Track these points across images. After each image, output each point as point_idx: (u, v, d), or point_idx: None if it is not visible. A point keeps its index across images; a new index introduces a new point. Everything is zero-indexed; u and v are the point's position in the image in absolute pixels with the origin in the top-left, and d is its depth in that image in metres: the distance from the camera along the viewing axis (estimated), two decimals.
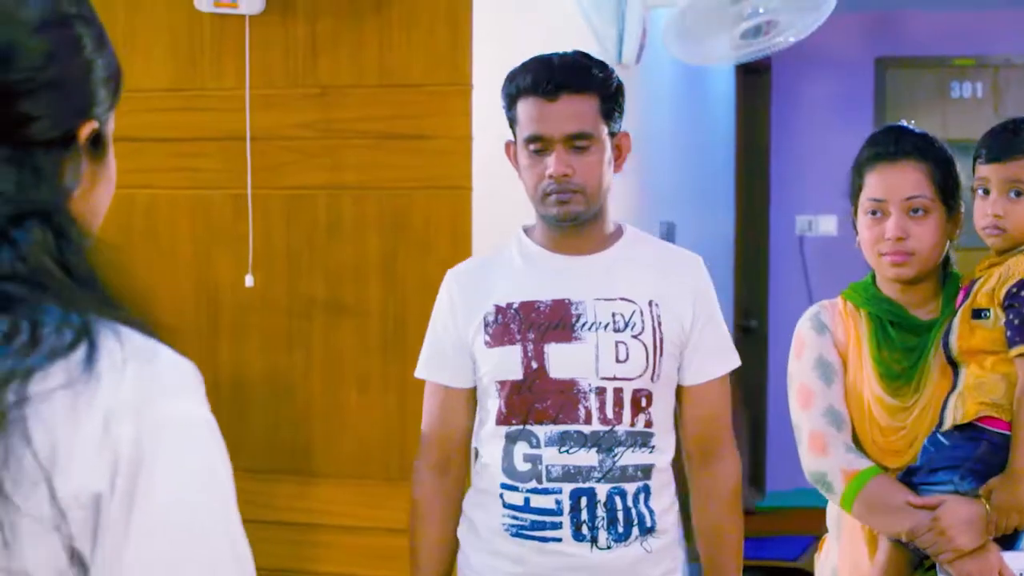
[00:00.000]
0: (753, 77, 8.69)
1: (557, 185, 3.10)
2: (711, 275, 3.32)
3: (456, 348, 3.25)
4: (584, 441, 3.11)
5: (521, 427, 3.14)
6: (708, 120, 7.82)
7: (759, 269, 8.87)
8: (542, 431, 3.12)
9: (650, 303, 3.16)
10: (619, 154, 3.21)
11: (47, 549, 1.37)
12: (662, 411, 3.19)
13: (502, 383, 3.16)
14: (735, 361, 3.30)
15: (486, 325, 3.19)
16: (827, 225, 8.51)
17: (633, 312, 3.14)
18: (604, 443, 3.11)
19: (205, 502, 1.46)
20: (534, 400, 3.13)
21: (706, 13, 4.94)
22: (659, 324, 3.15)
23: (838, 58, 8.72)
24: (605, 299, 3.15)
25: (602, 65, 3.18)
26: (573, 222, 3.15)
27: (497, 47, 4.05)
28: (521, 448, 3.15)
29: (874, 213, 3.18)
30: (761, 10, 4.96)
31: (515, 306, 3.17)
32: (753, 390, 8.32)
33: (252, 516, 4.13)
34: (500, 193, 3.93)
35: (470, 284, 3.27)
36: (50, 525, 1.36)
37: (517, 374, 3.14)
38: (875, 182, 3.18)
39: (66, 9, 1.53)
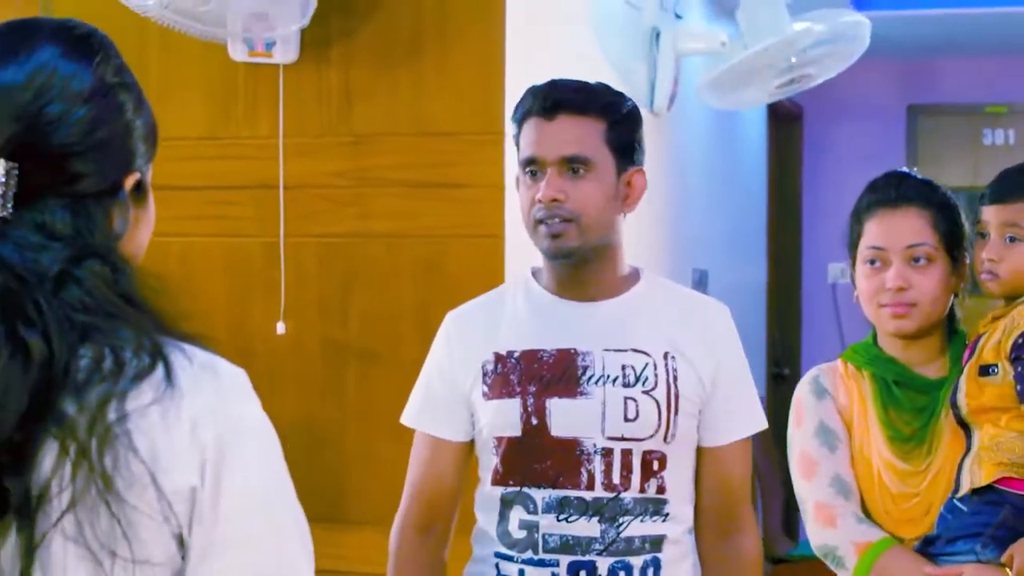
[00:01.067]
0: (785, 124, 8.69)
1: (547, 211, 2.78)
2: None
3: (451, 397, 2.95)
4: (585, 509, 2.79)
5: (518, 489, 2.83)
6: (740, 168, 7.82)
7: (792, 317, 8.85)
8: (540, 495, 2.81)
9: (666, 355, 2.84)
10: (629, 192, 2.88)
11: (161, 538, 1.64)
12: (678, 475, 2.87)
13: (499, 439, 2.86)
14: (761, 422, 3.00)
15: (484, 375, 2.88)
16: None
17: (646, 365, 2.83)
18: (607, 512, 2.79)
19: (274, 486, 1.75)
20: (532, 460, 2.82)
21: (743, 71, 4.95)
22: (675, 379, 2.83)
23: (870, 105, 8.73)
24: (615, 350, 2.84)
25: (615, 92, 2.92)
26: (568, 259, 2.84)
27: None
28: (517, 513, 2.84)
29: (873, 262, 3.00)
30: (802, 70, 4.97)
31: (516, 355, 2.86)
32: (786, 436, 8.28)
33: None
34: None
35: (469, 328, 2.98)
36: (160, 518, 1.63)
37: (515, 430, 2.83)
38: (875, 229, 3.01)
39: (110, 80, 1.77)
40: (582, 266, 2.87)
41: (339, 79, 4.09)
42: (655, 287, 2.97)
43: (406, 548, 3.06)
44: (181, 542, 1.66)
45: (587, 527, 2.79)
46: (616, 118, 2.86)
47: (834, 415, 3.05)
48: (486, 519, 2.92)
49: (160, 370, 1.68)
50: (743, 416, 2.96)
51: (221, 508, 1.67)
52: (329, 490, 4.11)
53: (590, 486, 2.80)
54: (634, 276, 2.97)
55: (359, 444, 4.09)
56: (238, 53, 4.00)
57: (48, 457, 1.59)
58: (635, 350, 2.85)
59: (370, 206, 4.07)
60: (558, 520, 2.79)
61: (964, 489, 2.85)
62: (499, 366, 2.87)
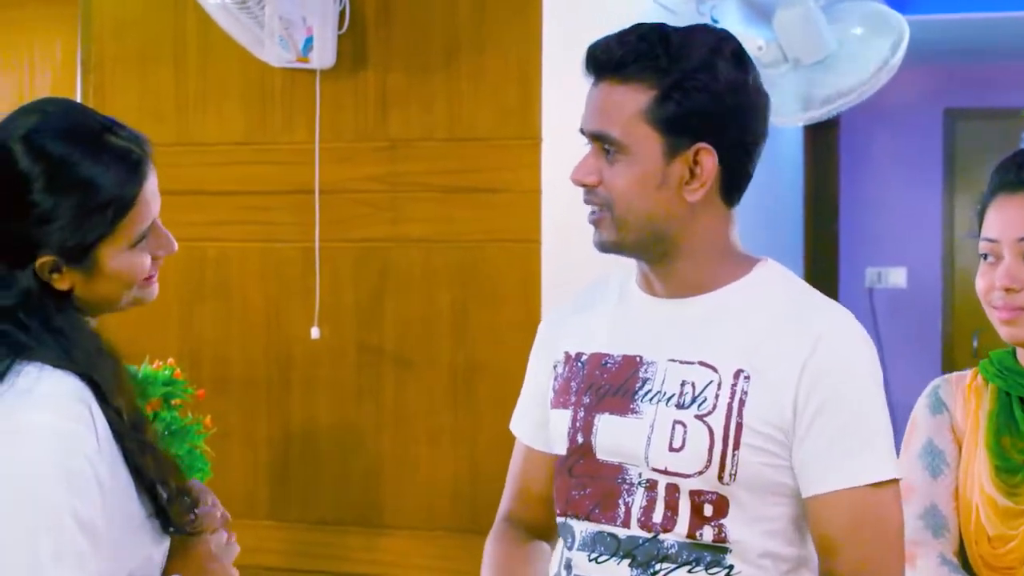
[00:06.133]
0: (822, 129, 8.67)
1: (584, 194, 2.32)
2: None
3: (534, 399, 2.52)
4: (616, 548, 2.30)
5: (563, 519, 2.38)
6: (777, 174, 7.80)
7: None
8: (579, 528, 2.34)
9: (737, 373, 2.24)
10: (696, 174, 2.25)
11: None
12: (752, 526, 2.25)
13: (556, 457, 2.42)
14: (881, 470, 2.21)
15: (555, 377, 2.45)
16: (896, 277, 8.47)
17: (709, 383, 2.24)
18: (641, 555, 2.27)
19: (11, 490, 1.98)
20: (574, 486, 2.35)
21: (780, 98, 4.92)
22: (741, 404, 2.22)
23: (907, 110, 8.69)
24: (680, 361, 2.28)
25: (684, 47, 2.25)
26: (611, 253, 2.34)
27: (566, 101, 4.06)
28: (560, 547, 2.41)
29: (986, 257, 2.53)
30: (837, 99, 4.94)
31: (584, 358, 2.39)
32: None
33: (323, 567, 4.16)
34: (569, 246, 3.93)
35: (556, 320, 2.53)
36: None
37: (562, 448, 2.38)
38: (991, 218, 2.53)
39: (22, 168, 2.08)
40: (650, 262, 2.35)
41: (375, 84, 4.10)
42: (759, 285, 2.34)
43: (493, 532, 2.58)
44: None
45: (615, 570, 2.30)
46: (670, 84, 2.23)
47: (946, 434, 2.58)
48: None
49: None
50: (852, 460, 2.22)
51: None
52: (365, 494, 4.11)
53: (625, 523, 2.30)
54: (742, 268, 2.36)
55: (395, 448, 4.09)
56: (275, 58, 4.01)
57: None
58: (702, 363, 2.27)
59: (406, 211, 4.07)
60: (589, 560, 2.33)
61: None
62: (566, 369, 2.43)
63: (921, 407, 2.62)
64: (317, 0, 3.96)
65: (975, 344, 8.03)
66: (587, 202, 2.31)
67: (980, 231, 2.56)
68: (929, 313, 8.49)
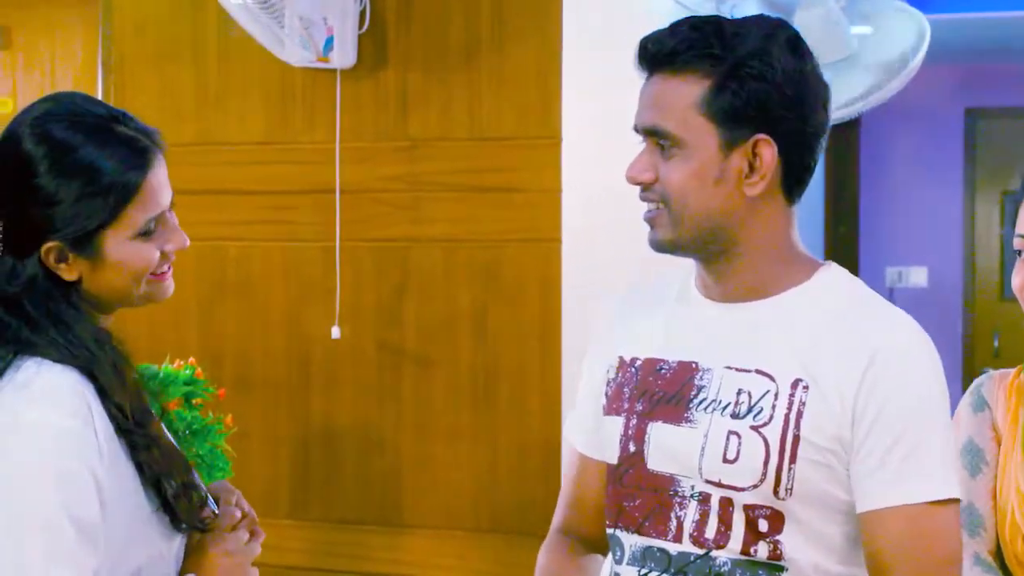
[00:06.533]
0: (842, 130, 8.65)
1: (641, 191, 2.21)
2: None
3: (587, 403, 2.40)
4: (666, 564, 2.20)
5: (612, 530, 2.28)
6: None
7: None
8: (628, 541, 2.25)
9: (795, 383, 2.14)
10: (756, 166, 2.16)
11: None
12: (808, 542, 2.15)
13: (607, 465, 2.32)
14: (940, 489, 2.10)
15: (608, 382, 2.34)
16: (918, 276, 8.45)
17: (766, 393, 2.14)
18: (692, 572, 2.18)
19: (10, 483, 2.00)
20: (625, 496, 2.26)
21: None
22: (799, 415, 2.12)
23: (928, 110, 8.67)
24: (737, 369, 2.19)
25: (738, 36, 2.16)
26: (667, 253, 2.24)
27: (586, 100, 4.06)
28: (609, 561, 2.33)
29: (1020, 253, 2.46)
30: (859, 99, 4.93)
31: (639, 363, 2.29)
32: None
33: (343, 566, 4.16)
34: (590, 245, 3.93)
35: (613, 321, 2.41)
36: None
37: (613, 456, 2.27)
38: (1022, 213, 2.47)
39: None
40: (707, 262, 2.25)
41: (396, 84, 4.10)
42: (820, 291, 2.25)
43: (546, 543, 2.48)
44: None
45: None
46: (724, 72, 2.14)
47: (987, 432, 2.54)
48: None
49: None
50: (909, 476, 2.11)
51: None
52: (385, 494, 4.11)
53: (677, 537, 2.20)
54: (803, 272, 2.27)
55: (415, 448, 4.09)
56: (296, 58, 4.01)
57: None
58: (759, 371, 2.18)
59: (426, 210, 4.08)
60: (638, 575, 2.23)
61: None
62: (619, 374, 2.32)
63: (964, 405, 2.57)
64: (338, 0, 3.97)
65: (996, 344, 8.01)
66: (643, 199, 2.20)
67: (1014, 227, 2.49)
68: (950, 313, 8.48)
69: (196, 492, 2.20)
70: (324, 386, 4.18)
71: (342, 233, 4.13)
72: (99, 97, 4.31)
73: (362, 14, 4.06)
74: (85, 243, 2.12)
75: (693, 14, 2.28)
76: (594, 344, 2.42)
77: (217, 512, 2.30)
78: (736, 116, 2.13)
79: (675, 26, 2.17)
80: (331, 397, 4.17)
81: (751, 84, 2.13)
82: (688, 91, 2.13)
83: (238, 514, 2.31)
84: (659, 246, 2.21)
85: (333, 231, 4.14)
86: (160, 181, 2.16)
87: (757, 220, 2.20)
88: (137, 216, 2.13)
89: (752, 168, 2.15)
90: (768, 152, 2.15)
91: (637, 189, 2.20)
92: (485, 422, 3.99)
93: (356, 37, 4.05)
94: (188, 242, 2.22)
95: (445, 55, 4.05)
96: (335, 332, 4.09)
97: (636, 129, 2.20)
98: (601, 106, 4.05)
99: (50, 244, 2.11)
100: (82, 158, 2.09)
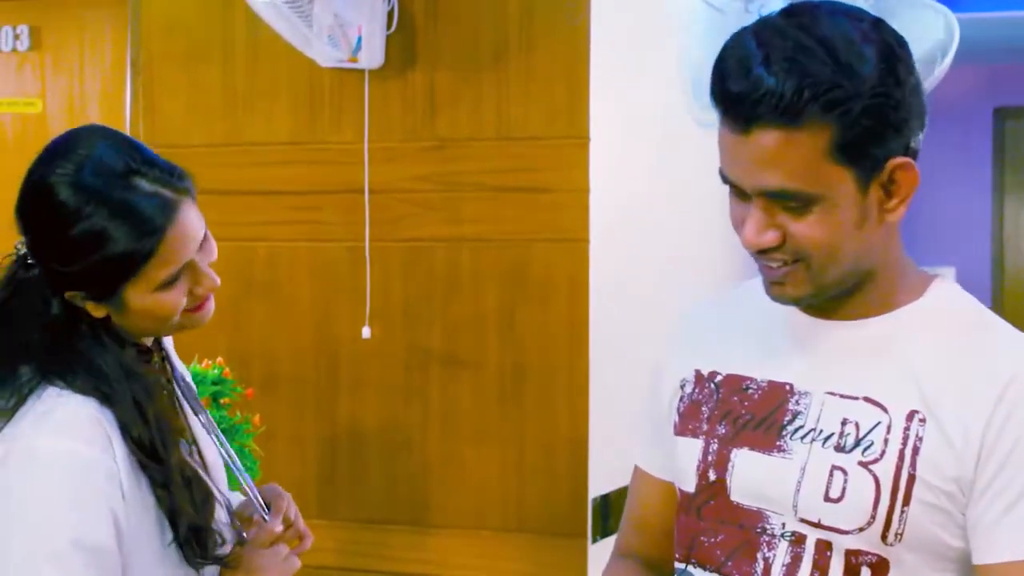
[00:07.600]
0: None
1: (761, 256, 1.96)
2: None
3: (653, 418, 2.23)
4: None
5: (684, 566, 2.07)
6: None
7: None
8: None
9: (911, 415, 1.91)
10: (894, 191, 1.95)
11: None
12: None
13: (680, 492, 2.12)
14: None
15: (681, 398, 2.15)
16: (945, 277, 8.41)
17: (877, 425, 1.91)
18: None
19: (16, 512, 2.03)
20: (701, 530, 2.04)
21: None
22: (915, 452, 1.89)
23: (956, 110, 8.65)
24: (841, 395, 1.96)
25: (849, 69, 1.84)
26: (801, 305, 2.02)
27: (615, 100, 4.06)
28: None
29: None
30: None
31: (719, 379, 2.09)
32: None
33: (370, 566, 4.17)
34: (618, 246, 3.93)
35: (688, 328, 2.22)
36: None
37: (689, 484, 2.07)
38: None
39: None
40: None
41: (424, 84, 4.10)
42: (937, 309, 2.02)
43: (607, 569, 2.33)
44: None
45: None
46: (850, 112, 1.85)
47: None
48: None
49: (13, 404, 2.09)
50: None
51: None
52: (412, 494, 4.12)
53: None
54: (916, 288, 2.05)
55: (443, 449, 4.09)
56: (324, 57, 4.02)
57: None
58: (868, 399, 1.94)
59: (455, 211, 4.08)
60: None
61: None
62: (696, 390, 2.12)
63: None
64: (366, 0, 3.97)
65: None
66: (768, 258, 1.94)
67: None
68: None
69: (206, 534, 2.20)
70: (351, 386, 4.18)
71: (371, 233, 4.13)
72: (127, 99, 4.32)
73: (390, 14, 4.06)
74: (106, 296, 2.17)
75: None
76: (667, 353, 2.23)
77: (267, 518, 2.32)
78: (869, 150, 1.90)
79: (776, 71, 1.84)
80: (358, 397, 4.17)
81: (882, 112, 1.88)
82: (813, 142, 1.85)
83: (278, 528, 2.32)
84: (791, 302, 2.00)
85: (361, 231, 4.14)
86: (183, 233, 2.14)
87: (890, 241, 2.01)
88: (157, 273, 2.15)
89: (889, 194, 1.94)
90: (906, 174, 1.95)
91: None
92: (512, 422, 3.99)
93: (384, 37, 4.05)
94: (219, 282, 2.22)
95: (473, 55, 4.05)
96: (366, 332, 4.10)
97: (739, 186, 1.94)
98: (630, 106, 4.05)
99: (73, 292, 2.17)
100: (92, 227, 2.09)
